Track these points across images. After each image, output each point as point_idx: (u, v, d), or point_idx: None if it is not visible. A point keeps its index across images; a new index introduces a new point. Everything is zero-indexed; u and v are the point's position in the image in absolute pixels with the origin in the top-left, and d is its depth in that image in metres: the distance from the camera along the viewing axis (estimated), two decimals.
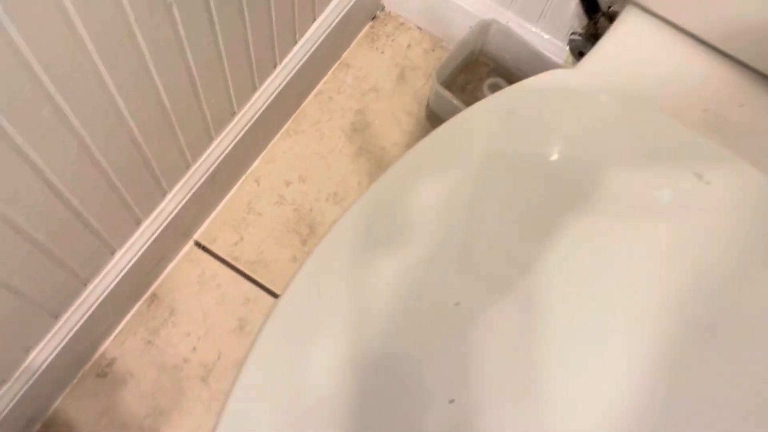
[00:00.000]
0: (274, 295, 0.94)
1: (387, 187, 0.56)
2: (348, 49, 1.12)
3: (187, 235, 0.95)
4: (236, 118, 0.89)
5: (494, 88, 1.07)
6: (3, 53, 0.45)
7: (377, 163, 1.04)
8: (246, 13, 0.74)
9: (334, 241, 0.53)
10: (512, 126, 0.60)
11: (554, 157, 0.59)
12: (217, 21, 0.69)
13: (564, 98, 0.63)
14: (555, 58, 1.01)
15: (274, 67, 0.92)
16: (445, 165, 0.57)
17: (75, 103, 0.55)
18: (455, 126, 0.60)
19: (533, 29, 1.01)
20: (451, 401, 0.47)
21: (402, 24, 1.15)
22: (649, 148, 0.61)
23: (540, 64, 1.03)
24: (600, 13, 0.83)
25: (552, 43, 1.01)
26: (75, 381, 0.86)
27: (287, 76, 0.94)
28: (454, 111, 1.00)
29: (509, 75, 1.09)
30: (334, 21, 0.99)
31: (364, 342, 0.49)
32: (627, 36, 0.68)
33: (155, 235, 0.83)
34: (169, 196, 0.83)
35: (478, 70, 1.10)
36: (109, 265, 0.79)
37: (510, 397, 0.48)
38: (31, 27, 0.46)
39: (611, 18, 0.81)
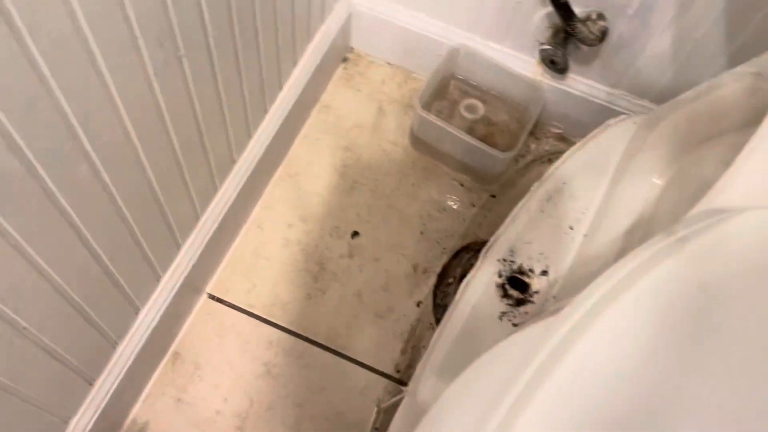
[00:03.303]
0: (296, 335, 0.94)
1: None
2: (326, 91, 1.16)
3: (200, 289, 0.95)
4: (236, 167, 0.91)
5: (470, 109, 1.13)
6: (48, 116, 0.47)
7: (372, 194, 1.07)
8: (241, 62, 0.78)
9: None
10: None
11: None
12: (218, 70, 0.72)
13: None
14: (524, 72, 1.07)
15: (265, 113, 0.95)
16: None
17: (106, 158, 0.57)
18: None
19: (500, 48, 1.08)
20: None
21: (372, 62, 1.21)
22: None
23: (510, 79, 1.09)
24: (576, 20, 0.89)
25: (519, 59, 1.07)
26: None
27: (277, 121, 0.97)
28: (438, 134, 1.05)
29: (483, 95, 1.15)
30: (312, 65, 1.04)
31: None
32: None
33: (175, 289, 0.83)
34: (183, 249, 0.84)
35: (452, 95, 1.16)
36: (136, 324, 0.79)
37: None
38: (72, 86, 0.48)
39: (583, 21, 0.87)
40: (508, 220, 0.94)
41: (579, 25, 0.88)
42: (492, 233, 1.07)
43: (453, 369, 0.83)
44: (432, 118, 1.02)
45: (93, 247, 0.61)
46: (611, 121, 0.95)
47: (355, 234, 1.03)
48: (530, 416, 0.41)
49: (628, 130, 0.94)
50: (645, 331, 0.46)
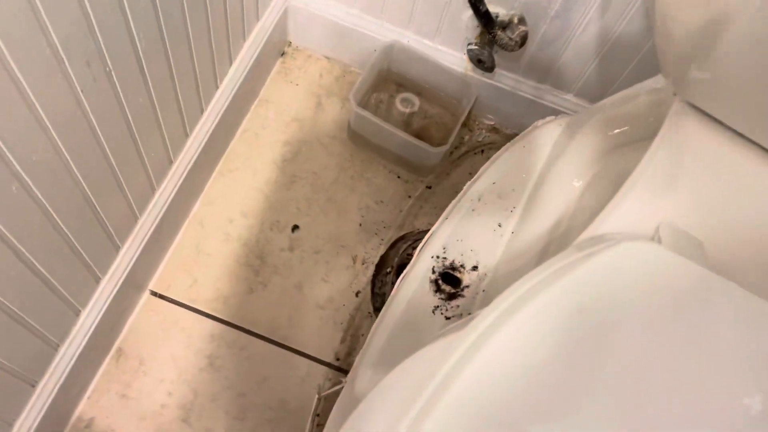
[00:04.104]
0: (238, 328, 0.98)
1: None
2: (264, 86, 1.18)
3: (142, 287, 0.97)
4: (174, 167, 0.93)
5: (406, 103, 1.17)
6: None
7: (312, 188, 1.10)
8: (173, 66, 0.79)
9: None
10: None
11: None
12: (150, 78, 0.74)
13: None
14: (455, 68, 1.11)
15: (202, 112, 0.97)
16: None
17: (36, 175, 0.58)
18: None
19: (432, 44, 1.12)
20: None
21: (310, 56, 1.23)
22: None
23: (443, 74, 1.13)
24: (497, 28, 0.93)
25: (450, 54, 1.11)
26: None
27: (214, 119, 0.99)
28: (374, 128, 1.08)
29: (418, 88, 1.18)
30: (249, 61, 1.05)
31: None
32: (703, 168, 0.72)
33: (115, 290, 0.85)
34: (122, 251, 0.86)
35: (389, 88, 1.19)
36: (77, 326, 0.81)
37: None
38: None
39: (504, 27, 0.91)
40: (441, 218, 0.99)
41: (499, 33, 0.92)
42: (428, 223, 1.12)
43: (388, 361, 0.88)
44: (367, 114, 1.05)
45: (27, 258, 0.63)
46: (539, 123, 1.00)
47: (296, 227, 1.07)
48: (437, 417, 0.48)
49: (553, 133, 1.00)
50: (536, 345, 0.54)
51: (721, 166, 0.79)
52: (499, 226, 1.00)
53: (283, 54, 1.22)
